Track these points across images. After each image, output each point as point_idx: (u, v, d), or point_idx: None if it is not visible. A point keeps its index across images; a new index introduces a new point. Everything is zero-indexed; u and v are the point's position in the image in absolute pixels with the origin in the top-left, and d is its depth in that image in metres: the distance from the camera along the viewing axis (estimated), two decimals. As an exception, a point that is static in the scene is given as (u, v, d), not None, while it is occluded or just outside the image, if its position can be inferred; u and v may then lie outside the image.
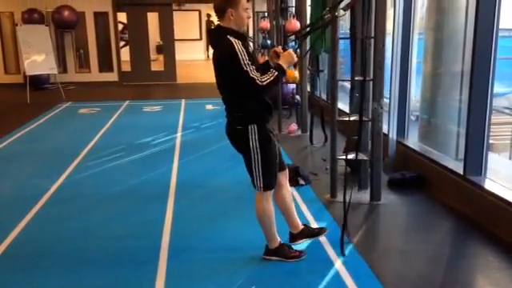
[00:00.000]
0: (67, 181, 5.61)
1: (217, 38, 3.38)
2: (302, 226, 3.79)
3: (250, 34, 14.55)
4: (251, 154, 3.37)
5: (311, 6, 7.24)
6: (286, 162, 5.73)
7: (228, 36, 3.24)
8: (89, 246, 3.95)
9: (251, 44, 13.82)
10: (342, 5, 4.49)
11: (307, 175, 5.44)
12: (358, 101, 5.06)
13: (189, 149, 6.93)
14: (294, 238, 3.74)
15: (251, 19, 14.43)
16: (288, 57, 3.40)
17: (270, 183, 3.47)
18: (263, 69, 3.36)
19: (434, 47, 5.64)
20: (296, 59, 3.47)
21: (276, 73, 3.29)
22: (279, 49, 3.50)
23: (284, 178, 3.65)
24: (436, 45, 5.59)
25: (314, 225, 4.23)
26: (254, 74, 3.20)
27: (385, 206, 4.72)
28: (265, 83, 3.23)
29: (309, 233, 3.78)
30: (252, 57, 3.27)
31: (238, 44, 3.21)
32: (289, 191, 3.72)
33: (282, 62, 3.36)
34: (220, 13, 3.31)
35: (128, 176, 5.74)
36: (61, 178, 5.65)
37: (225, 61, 3.27)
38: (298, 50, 5.94)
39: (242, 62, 3.18)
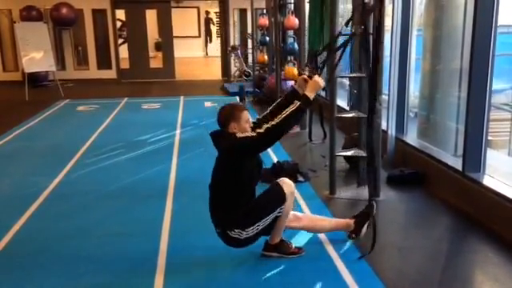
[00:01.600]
0: (66, 178, 5.60)
1: (219, 138, 3.39)
2: (278, 241, 3.63)
3: (249, 31, 14.54)
4: (257, 232, 3.38)
5: (309, 3, 7.23)
6: (285, 159, 5.78)
7: (229, 134, 3.31)
8: (87, 243, 3.95)
9: (250, 41, 13.81)
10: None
11: (306, 172, 5.44)
12: (357, 98, 5.07)
13: (188, 146, 6.92)
14: (267, 247, 3.62)
15: (249, 16, 14.41)
16: (315, 85, 3.36)
17: (279, 196, 3.38)
18: (289, 97, 3.40)
19: (432, 44, 5.63)
20: (323, 85, 3.43)
21: (298, 104, 3.27)
22: (306, 76, 3.46)
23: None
24: (435, 41, 5.59)
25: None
26: (265, 126, 3.23)
27: (383, 203, 4.71)
28: (281, 119, 3.21)
29: (284, 250, 3.62)
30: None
31: (239, 133, 3.27)
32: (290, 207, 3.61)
33: (309, 91, 3.34)
34: (223, 126, 3.36)
35: (127, 173, 5.73)
36: (59, 176, 5.64)
37: (232, 150, 3.31)
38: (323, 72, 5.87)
39: (248, 135, 3.24)
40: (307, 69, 7.23)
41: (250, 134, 3.27)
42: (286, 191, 3.40)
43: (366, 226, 3.85)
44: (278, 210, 3.38)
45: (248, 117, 3.39)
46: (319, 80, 3.39)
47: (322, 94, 8.88)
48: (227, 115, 3.36)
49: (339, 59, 4.82)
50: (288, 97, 3.51)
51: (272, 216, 3.38)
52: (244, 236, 3.36)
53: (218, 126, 3.41)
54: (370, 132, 4.47)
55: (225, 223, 3.38)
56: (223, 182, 3.39)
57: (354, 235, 3.83)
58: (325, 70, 5.06)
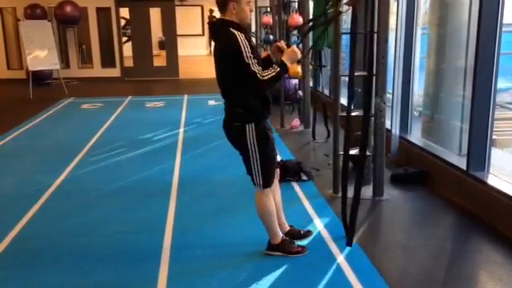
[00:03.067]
0: (69, 176, 5.61)
1: (219, 30, 3.35)
2: (288, 227, 3.79)
3: (253, 29, 14.52)
4: (249, 152, 3.36)
5: (313, 0, 7.21)
6: (289, 158, 5.77)
7: (230, 28, 3.22)
8: (91, 241, 3.95)
9: (253, 39, 13.80)
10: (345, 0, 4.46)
11: (309, 171, 5.43)
12: (361, 96, 5.05)
13: (191, 144, 6.92)
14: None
15: (253, 14, 14.40)
16: (291, 53, 3.37)
17: (269, 180, 3.46)
18: (265, 64, 3.33)
19: (437, 42, 5.61)
20: (299, 56, 3.44)
21: (278, 69, 3.27)
22: (282, 44, 3.47)
23: (276, 175, 3.63)
24: (439, 40, 5.57)
25: (316, 219, 4.23)
26: (256, 68, 3.18)
27: (387, 202, 4.71)
28: (266, 78, 3.21)
29: (294, 234, 3.74)
30: (254, 50, 3.25)
31: (240, 36, 3.19)
32: (278, 189, 3.72)
33: (285, 59, 3.34)
34: (222, 6, 3.29)
35: (130, 172, 5.74)
36: (63, 174, 5.65)
37: (227, 53, 3.25)
38: (301, 45, 5.88)
39: (244, 54, 3.16)
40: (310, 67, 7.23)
41: (255, 67, 3.18)
42: (270, 187, 3.48)
43: (277, 253, 3.60)
44: (258, 175, 3.39)
45: None
46: (296, 50, 3.39)
47: (326, 92, 8.88)
48: None
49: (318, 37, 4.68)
50: (267, 61, 3.44)
51: (255, 166, 3.37)
52: (248, 136, 3.31)
53: (217, 6, 3.33)
54: (364, 131, 4.40)
55: (244, 117, 3.33)
56: (235, 90, 3.34)
57: (267, 246, 3.62)
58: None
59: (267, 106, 3.40)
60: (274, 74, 3.24)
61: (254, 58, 3.19)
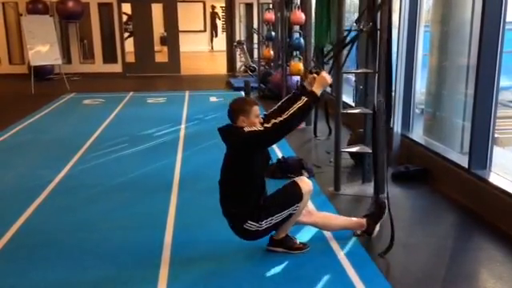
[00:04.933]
0: (71, 172, 5.62)
1: (227, 133, 3.42)
2: (283, 236, 3.65)
3: (255, 25, 14.50)
4: (268, 227, 3.41)
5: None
6: (290, 154, 5.77)
7: (237, 129, 3.32)
8: (92, 237, 3.96)
9: (255, 36, 13.78)
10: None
11: (311, 168, 5.43)
12: (363, 94, 5.05)
13: (193, 141, 6.92)
14: (273, 242, 3.63)
15: (255, 11, 14.38)
16: (322, 81, 3.40)
17: (296, 193, 3.43)
18: (296, 94, 3.44)
19: (440, 40, 5.60)
20: (330, 81, 3.46)
21: (306, 100, 3.30)
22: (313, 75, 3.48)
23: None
24: (442, 38, 5.55)
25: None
26: (272, 121, 3.25)
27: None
28: (289, 114, 3.24)
29: (289, 245, 3.63)
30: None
31: (247, 128, 3.28)
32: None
33: (316, 88, 3.36)
34: (232, 118, 3.39)
35: (131, 167, 5.74)
36: (64, 169, 5.66)
37: (240, 145, 3.34)
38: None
39: (256, 129, 3.25)
40: (313, 64, 7.24)
41: (258, 128, 3.28)
42: (303, 190, 3.44)
43: (378, 225, 3.82)
44: (294, 207, 3.42)
45: (258, 112, 3.41)
46: (326, 76, 3.42)
47: (328, 89, 8.87)
48: (237, 109, 3.39)
49: (347, 56, 4.79)
50: (296, 93, 3.53)
51: (287, 212, 3.42)
52: (256, 228, 3.38)
53: (228, 119, 3.42)
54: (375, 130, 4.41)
55: (238, 216, 3.40)
56: (234, 177, 3.41)
57: (366, 234, 3.80)
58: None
59: (260, 198, 3.43)
60: (301, 104, 3.28)
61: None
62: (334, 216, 3.93)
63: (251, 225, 3.36)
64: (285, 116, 3.26)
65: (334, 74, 4.72)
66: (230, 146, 3.43)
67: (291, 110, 3.28)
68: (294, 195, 3.43)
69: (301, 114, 3.30)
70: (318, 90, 3.36)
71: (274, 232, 3.58)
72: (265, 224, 3.38)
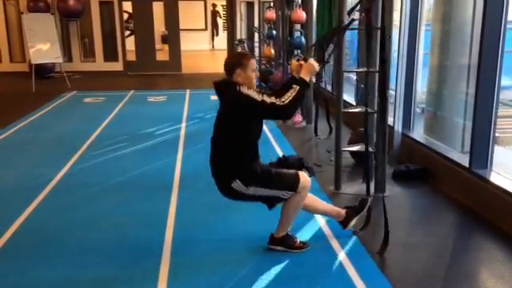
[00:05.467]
0: (71, 170, 5.61)
1: (223, 89, 3.42)
2: (283, 234, 3.63)
3: (256, 24, 14.49)
4: (252, 195, 3.42)
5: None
6: (291, 153, 5.76)
7: (235, 86, 3.30)
8: (92, 235, 3.96)
9: (256, 34, 13.78)
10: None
11: (311, 167, 5.40)
12: (364, 93, 5.04)
13: (193, 139, 6.92)
14: (273, 241, 3.63)
15: (256, 9, 14.37)
16: (309, 67, 3.41)
17: (292, 185, 3.42)
18: (287, 85, 3.39)
19: (441, 39, 5.59)
20: (318, 68, 3.47)
21: (298, 88, 3.30)
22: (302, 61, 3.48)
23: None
24: (443, 37, 5.55)
25: (318, 215, 4.22)
26: (271, 99, 3.24)
27: (389, 198, 4.69)
28: (286, 102, 3.25)
29: (289, 244, 3.62)
30: (260, 92, 3.32)
31: (243, 88, 3.27)
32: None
33: (304, 75, 3.37)
34: (229, 71, 3.38)
35: (132, 166, 5.74)
36: (65, 168, 5.66)
37: (236, 107, 3.32)
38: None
39: (253, 97, 3.24)
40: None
41: (256, 96, 3.24)
42: (300, 184, 3.42)
43: (355, 219, 3.79)
44: (284, 192, 3.41)
45: (255, 66, 3.43)
46: (313, 63, 3.43)
47: (329, 88, 8.86)
48: (235, 62, 3.40)
49: (336, 46, 4.80)
50: (287, 83, 3.49)
51: (275, 193, 3.42)
52: (242, 191, 3.39)
53: (224, 70, 3.42)
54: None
55: (228, 174, 3.39)
56: (229, 138, 3.40)
57: (341, 225, 3.80)
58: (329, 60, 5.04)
59: (254, 160, 3.43)
60: (294, 93, 3.28)
61: (263, 94, 3.25)
62: (320, 201, 3.86)
63: (239, 185, 3.36)
64: (285, 101, 3.24)
65: (335, 73, 4.72)
66: (224, 102, 3.43)
67: (289, 98, 3.26)
68: (289, 182, 3.42)
69: (297, 101, 3.31)
70: (306, 76, 3.37)
71: (278, 230, 3.58)
72: (251, 191, 3.39)
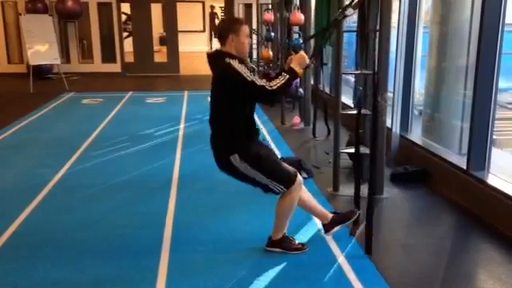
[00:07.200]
0: (70, 171, 5.62)
1: (215, 60, 3.45)
2: (281, 236, 3.63)
3: (254, 26, 14.50)
4: (248, 176, 3.41)
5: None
6: (289, 155, 5.78)
7: (226, 58, 3.31)
8: (91, 236, 3.96)
9: (254, 37, 13.79)
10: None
11: (310, 168, 5.43)
12: (362, 95, 5.06)
13: (192, 140, 6.93)
14: (271, 243, 3.64)
15: (255, 11, 14.38)
16: (300, 58, 3.43)
17: (287, 179, 3.43)
18: (278, 74, 3.41)
19: (439, 41, 5.61)
20: (308, 61, 3.49)
21: (287, 76, 3.33)
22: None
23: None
24: (441, 39, 5.57)
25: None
26: (262, 82, 3.25)
27: (387, 200, 4.72)
28: (275, 87, 3.27)
29: (287, 246, 3.63)
30: (253, 71, 3.33)
31: (234, 62, 3.28)
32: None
33: (294, 65, 3.39)
34: (221, 38, 3.40)
35: (131, 167, 5.74)
36: (64, 168, 5.66)
37: (225, 80, 3.33)
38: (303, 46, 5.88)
39: (244, 75, 3.24)
40: (312, 66, 7.25)
41: (247, 75, 3.25)
42: (295, 184, 3.43)
43: (338, 227, 3.71)
44: (275, 184, 3.40)
45: (248, 32, 3.44)
46: (304, 55, 3.46)
47: (327, 90, 8.87)
48: (227, 27, 3.41)
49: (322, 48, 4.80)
50: (278, 73, 3.52)
51: (267, 182, 3.41)
52: (237, 165, 3.37)
53: (217, 38, 3.44)
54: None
55: (229, 147, 3.39)
56: (221, 110, 3.41)
57: (323, 228, 3.75)
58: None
59: (252, 136, 3.45)
60: (283, 81, 3.31)
61: (255, 75, 3.26)
62: (313, 199, 3.81)
63: (236, 160, 3.36)
64: (273, 86, 3.26)
65: (333, 75, 4.73)
66: (214, 73, 3.44)
67: (277, 84, 3.28)
68: (285, 176, 3.43)
69: (282, 89, 3.32)
70: (296, 67, 3.39)
71: (275, 231, 3.59)
72: (242, 168, 3.37)
